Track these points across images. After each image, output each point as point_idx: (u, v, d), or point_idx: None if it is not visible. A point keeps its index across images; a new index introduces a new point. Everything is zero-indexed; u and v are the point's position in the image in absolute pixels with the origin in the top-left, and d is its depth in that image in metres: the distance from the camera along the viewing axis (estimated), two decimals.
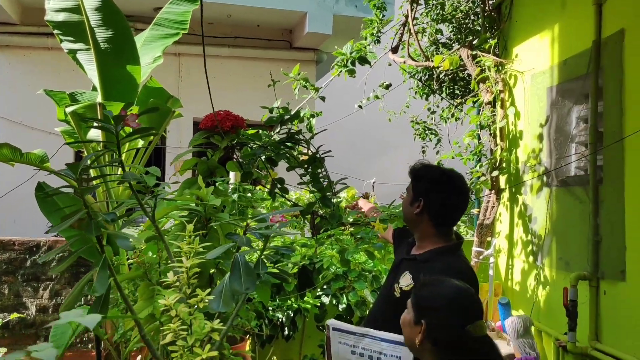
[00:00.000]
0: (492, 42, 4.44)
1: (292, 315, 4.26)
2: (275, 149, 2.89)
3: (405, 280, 2.02)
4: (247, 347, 4.05)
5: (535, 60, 4.14)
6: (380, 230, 2.84)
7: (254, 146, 2.91)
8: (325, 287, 4.02)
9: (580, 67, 3.59)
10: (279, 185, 3.00)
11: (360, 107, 5.54)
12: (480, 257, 4.40)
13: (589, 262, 3.38)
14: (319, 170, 3.05)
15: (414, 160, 2.29)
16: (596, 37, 3.40)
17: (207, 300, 1.62)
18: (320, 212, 3.22)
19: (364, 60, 3.87)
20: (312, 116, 4.04)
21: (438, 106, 5.47)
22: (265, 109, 3.10)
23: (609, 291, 3.27)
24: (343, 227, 3.19)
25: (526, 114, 4.24)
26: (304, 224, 4.35)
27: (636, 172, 3.10)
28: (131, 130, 1.98)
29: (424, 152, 5.65)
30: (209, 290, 1.68)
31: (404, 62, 5.10)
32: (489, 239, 4.51)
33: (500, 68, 4.44)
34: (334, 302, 4.01)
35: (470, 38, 4.94)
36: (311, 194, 3.49)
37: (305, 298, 4.16)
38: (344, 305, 3.90)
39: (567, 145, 3.81)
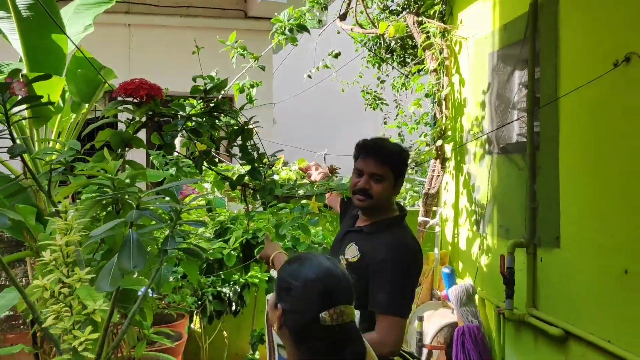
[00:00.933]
0: (437, 7, 4.32)
1: (239, 290, 4.19)
2: (199, 119, 2.74)
3: (352, 252, 1.99)
4: (187, 324, 3.96)
5: (478, 26, 4.04)
6: (314, 208, 2.74)
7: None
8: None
9: (519, 32, 3.50)
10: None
11: (309, 76, 5.41)
12: (426, 227, 4.35)
13: (527, 229, 3.34)
14: (249, 143, 2.91)
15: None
16: (533, 0, 3.30)
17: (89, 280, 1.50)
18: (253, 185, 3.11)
19: (302, 28, 3.72)
20: (252, 86, 3.88)
21: (388, 75, 5.34)
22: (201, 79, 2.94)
23: (545, 258, 3.24)
24: (278, 201, 3.10)
25: (470, 81, 4.16)
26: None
27: (570, 138, 3.05)
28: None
29: (385, 123, 5.56)
30: (87, 269, 1.55)
31: (352, 29, 4.95)
32: (434, 208, 4.46)
33: (445, 34, 4.34)
34: None
35: (418, 5, 4.80)
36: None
37: (253, 272, 4.08)
38: None
39: (509, 112, 3.74)
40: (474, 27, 4.09)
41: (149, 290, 2.09)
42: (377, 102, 5.32)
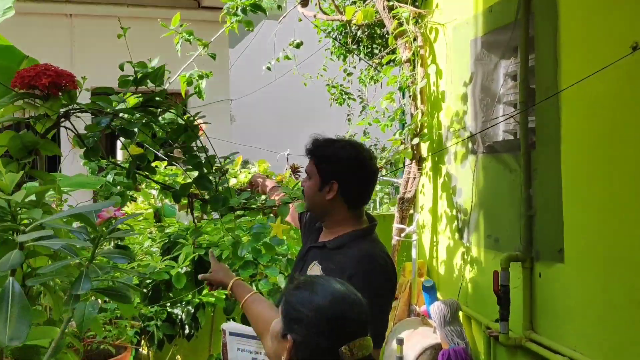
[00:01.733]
0: None
1: (192, 311, 3.65)
2: (129, 116, 2.18)
3: (314, 272, 1.82)
4: (131, 357, 3.37)
5: (457, 10, 3.58)
6: (278, 233, 2.38)
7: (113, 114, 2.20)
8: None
9: (508, 14, 3.04)
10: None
11: (268, 68, 4.89)
12: (402, 235, 3.89)
13: (522, 240, 2.89)
14: (195, 143, 2.37)
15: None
16: None
17: None
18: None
19: (257, 8, 3.19)
20: (201, 77, 3.31)
21: (355, 67, 4.86)
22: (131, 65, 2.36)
23: (545, 274, 2.79)
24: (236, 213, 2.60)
25: (449, 72, 3.71)
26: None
27: (574, 134, 2.60)
28: None
29: (349, 120, 5.11)
30: None
31: (315, 16, 4.43)
32: (411, 212, 4.00)
33: (419, 20, 3.87)
34: None
35: None
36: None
37: (207, 290, 3.55)
38: None
39: (494, 106, 3.31)
40: (453, 11, 3.64)
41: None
42: (344, 97, 4.82)
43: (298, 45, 4.74)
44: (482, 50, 3.39)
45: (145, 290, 3.34)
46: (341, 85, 4.87)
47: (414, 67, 3.84)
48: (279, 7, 4.78)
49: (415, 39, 3.83)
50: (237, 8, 3.22)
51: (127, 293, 1.67)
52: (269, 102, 11.52)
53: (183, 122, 2.35)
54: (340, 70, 4.85)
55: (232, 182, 4.54)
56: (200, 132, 3.17)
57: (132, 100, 2.36)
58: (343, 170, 1.82)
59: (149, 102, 2.33)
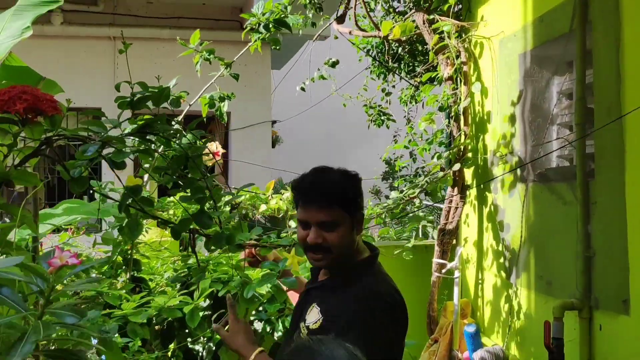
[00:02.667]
0: (451, 1, 3.50)
1: (214, 348, 3.39)
2: (120, 145, 1.93)
3: (313, 316, 1.66)
4: None
5: (504, 21, 3.23)
6: (294, 265, 2.12)
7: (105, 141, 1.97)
8: (259, 309, 3.17)
9: (561, 24, 2.67)
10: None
11: (302, 89, 4.65)
12: (443, 271, 3.50)
13: (579, 285, 2.47)
14: (203, 176, 2.12)
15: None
16: None
17: None
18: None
19: (281, 24, 2.93)
20: (223, 99, 3.07)
21: (394, 86, 4.56)
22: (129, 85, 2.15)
23: (606, 326, 2.36)
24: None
25: (495, 91, 3.34)
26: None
27: None
28: None
29: (395, 141, 4.84)
30: None
31: (350, 32, 4.15)
32: (453, 243, 3.62)
33: (462, 34, 3.52)
34: (268, 328, 3.23)
35: (429, 1, 3.99)
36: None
37: None
38: (280, 333, 3.11)
39: (547, 128, 2.93)
40: (500, 23, 3.28)
41: None
42: (382, 118, 4.51)
43: (333, 64, 4.49)
44: (532, 65, 3.01)
45: (157, 328, 3.11)
46: (379, 105, 4.55)
47: (457, 85, 3.49)
48: (314, 24, 4.55)
49: (458, 55, 3.48)
50: (259, 24, 2.96)
51: (82, 356, 1.42)
52: (316, 123, 11.37)
53: (184, 151, 2.09)
54: (378, 89, 4.54)
55: (262, 208, 4.32)
56: (216, 159, 2.91)
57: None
58: (359, 202, 1.68)
59: (146, 127, 2.10)
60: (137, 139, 2.15)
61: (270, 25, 2.97)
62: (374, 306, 1.56)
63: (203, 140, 2.98)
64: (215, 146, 3.20)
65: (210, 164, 2.88)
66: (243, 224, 2.19)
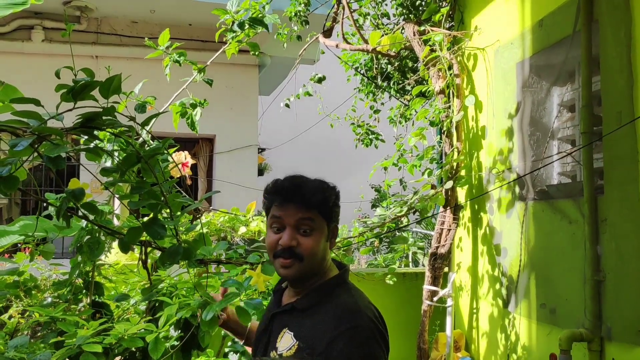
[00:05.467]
0: (443, 11, 3.30)
1: None
2: (58, 140, 1.66)
3: (285, 342, 1.54)
4: None
5: (500, 29, 3.02)
6: (260, 284, 1.91)
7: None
8: (235, 340, 2.90)
9: (564, 27, 2.44)
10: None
11: (287, 106, 4.42)
12: (435, 299, 3.20)
13: (587, 313, 2.18)
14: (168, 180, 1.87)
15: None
16: None
17: None
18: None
19: (257, 23, 2.69)
20: (194, 106, 2.80)
21: (383, 104, 4.35)
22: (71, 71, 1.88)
23: (620, 359, 2.06)
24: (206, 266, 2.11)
25: (490, 104, 3.11)
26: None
27: None
28: None
29: (385, 169, 4.63)
30: None
31: (337, 46, 3.93)
32: (445, 270, 3.34)
33: (454, 46, 3.31)
34: None
35: (420, 11, 3.81)
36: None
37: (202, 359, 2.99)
38: None
39: (547, 142, 2.69)
40: (495, 31, 3.07)
41: None
42: (371, 137, 4.27)
43: (320, 80, 4.29)
44: (530, 74, 2.79)
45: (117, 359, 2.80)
46: (367, 124, 4.32)
47: (449, 99, 3.26)
48: (299, 37, 4.35)
49: (450, 67, 3.27)
50: (233, 23, 2.72)
51: None
52: (305, 151, 11.19)
53: (134, 150, 1.82)
54: (366, 107, 4.32)
55: (242, 230, 4.08)
56: (183, 171, 2.64)
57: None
58: (335, 214, 1.58)
59: (90, 122, 1.83)
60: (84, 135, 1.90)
61: (246, 24, 2.72)
62: (356, 324, 1.45)
63: (171, 150, 2.71)
64: (183, 156, 2.93)
65: (177, 175, 2.62)
66: (206, 236, 1.92)
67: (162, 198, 1.79)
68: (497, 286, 2.97)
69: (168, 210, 1.85)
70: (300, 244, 1.52)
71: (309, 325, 1.52)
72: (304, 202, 1.53)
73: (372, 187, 7.71)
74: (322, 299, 1.54)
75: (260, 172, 8.68)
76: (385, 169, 3.95)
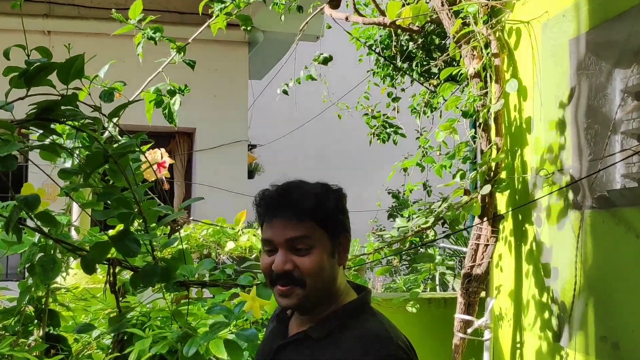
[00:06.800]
0: None
1: None
2: (7, 135, 1.71)
3: None
4: None
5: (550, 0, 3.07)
6: (255, 310, 1.98)
7: None
8: None
9: None
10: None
11: (285, 92, 4.47)
12: (469, 331, 3.33)
13: None
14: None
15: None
16: None
17: None
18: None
19: None
20: (172, 93, 2.84)
21: (404, 90, 4.43)
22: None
23: None
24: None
25: (537, 90, 3.20)
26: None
27: None
28: None
29: (405, 170, 4.69)
30: None
31: (347, 18, 3.97)
32: (482, 295, 3.46)
33: (492, 18, 3.43)
34: None
35: None
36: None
37: None
38: None
39: (608, 137, 2.77)
40: (542, 1, 3.15)
41: None
42: (389, 130, 4.32)
43: (325, 61, 4.37)
44: (587, 54, 2.87)
45: None
46: (385, 115, 4.37)
47: (486, 84, 3.35)
48: (300, 8, 4.38)
49: (487, 45, 3.36)
50: None
51: None
52: (305, 148, 11.29)
53: (100, 148, 1.85)
54: (382, 94, 4.38)
55: (229, 246, 4.14)
56: (159, 174, 2.68)
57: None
58: (340, 220, 1.63)
59: (46, 112, 1.86)
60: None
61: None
62: (387, 354, 1.50)
63: (144, 147, 2.73)
64: (159, 154, 2.96)
65: (151, 178, 2.65)
66: (187, 253, 1.94)
67: (135, 206, 1.82)
68: (546, 315, 3.04)
69: (141, 222, 1.88)
70: (298, 266, 1.54)
71: (328, 357, 1.55)
72: (295, 214, 1.55)
73: (390, 193, 7.76)
74: (343, 325, 1.56)
75: (251, 173, 8.74)
76: (406, 170, 4.00)
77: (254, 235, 4.06)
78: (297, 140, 10.35)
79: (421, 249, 4.08)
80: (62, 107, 1.78)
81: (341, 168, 10.75)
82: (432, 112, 4.30)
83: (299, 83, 4.50)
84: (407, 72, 4.51)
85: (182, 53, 2.98)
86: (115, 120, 2.14)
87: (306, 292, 1.55)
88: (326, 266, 1.57)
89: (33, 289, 2.46)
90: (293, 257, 1.55)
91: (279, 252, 1.57)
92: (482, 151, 3.35)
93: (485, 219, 3.32)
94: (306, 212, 1.55)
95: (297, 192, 1.61)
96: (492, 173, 3.27)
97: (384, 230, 8.90)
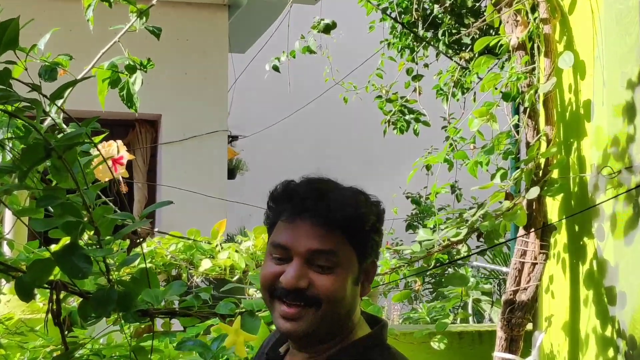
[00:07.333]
0: None
1: None
2: None
3: None
4: None
5: None
6: (239, 347, 2.06)
7: None
8: None
9: None
10: None
11: (275, 68, 4.53)
12: None
13: None
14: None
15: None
16: None
17: None
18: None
19: None
20: (132, 69, 2.88)
21: (427, 66, 4.52)
22: None
23: None
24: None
25: (598, 66, 3.27)
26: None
27: None
28: None
29: (428, 168, 4.78)
30: None
31: None
32: (528, 328, 3.54)
33: None
34: None
35: None
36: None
37: None
38: None
39: None
40: None
41: None
42: (408, 117, 4.38)
43: (327, 28, 4.45)
44: None
45: None
46: (403, 97, 4.43)
47: (532, 57, 3.45)
48: None
49: (533, 8, 3.44)
50: None
51: None
52: (300, 140, 11.35)
53: (40, 138, 1.90)
54: (400, 71, 4.44)
55: (205, 265, 4.22)
56: (115, 172, 2.72)
57: None
58: (379, 234, 1.71)
59: None
60: None
61: None
62: None
63: (97, 138, 2.77)
64: (116, 147, 2.99)
65: (105, 178, 2.69)
66: (152, 274, 1.98)
67: (85, 213, 1.84)
68: (611, 353, 3.10)
69: (93, 233, 1.91)
70: (316, 285, 1.57)
71: None
72: (327, 220, 1.58)
73: (409, 198, 7.81)
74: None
75: (231, 172, 8.84)
76: (429, 168, 4.04)
77: (236, 251, 4.13)
78: (290, 130, 10.43)
79: (449, 269, 4.12)
80: None
81: (347, 166, 10.83)
82: (463, 94, 4.40)
83: (294, 57, 4.57)
84: (432, 43, 4.60)
85: (145, 18, 3.03)
86: (59, 103, 2.16)
87: (320, 317, 1.57)
88: (348, 293, 1.60)
89: None
90: (310, 273, 1.58)
91: (294, 262, 1.58)
92: (527, 144, 3.42)
93: (532, 230, 3.40)
94: (340, 222, 1.58)
95: (336, 193, 1.64)
96: (540, 172, 3.34)
97: (401, 245, 8.99)
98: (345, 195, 1.65)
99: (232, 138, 9.26)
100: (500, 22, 3.55)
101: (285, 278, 1.58)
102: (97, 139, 2.57)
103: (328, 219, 1.58)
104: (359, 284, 1.66)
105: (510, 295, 3.41)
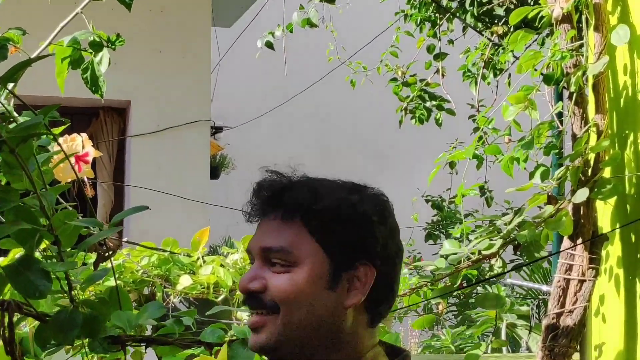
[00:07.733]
0: None
1: None
2: None
3: None
4: None
5: None
6: None
7: None
8: None
9: None
10: None
11: (269, 45, 4.53)
12: None
13: None
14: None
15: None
16: None
17: None
18: None
19: None
20: (97, 46, 2.89)
21: (452, 42, 4.51)
22: None
23: None
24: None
25: None
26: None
27: None
28: None
29: (452, 166, 4.80)
30: None
31: None
32: (575, 358, 3.60)
33: None
34: None
35: None
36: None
37: None
38: None
39: None
40: None
41: None
42: (429, 104, 4.39)
43: None
44: None
45: None
46: (423, 80, 4.44)
47: (580, 32, 3.48)
48: None
49: None
50: None
51: None
52: (302, 126, 11.35)
53: None
54: (419, 48, 4.45)
55: (184, 282, 4.23)
56: (79, 172, 2.74)
57: None
58: (376, 235, 1.64)
59: None
60: None
61: None
62: None
63: (57, 130, 2.79)
64: (79, 142, 2.99)
65: (66, 178, 2.70)
66: (123, 293, 1.98)
67: (43, 220, 1.84)
68: None
69: (53, 244, 1.91)
70: (269, 286, 1.58)
71: None
72: (284, 213, 1.60)
73: (429, 201, 7.83)
74: None
75: (215, 170, 8.83)
76: (454, 166, 4.04)
77: (222, 265, 4.12)
78: (284, 120, 10.44)
79: (479, 288, 4.13)
80: None
81: (353, 163, 10.85)
82: (495, 76, 4.41)
83: (291, 31, 4.57)
84: (458, 15, 4.60)
85: None
86: (10, 87, 2.17)
87: (281, 325, 1.57)
88: (311, 297, 1.59)
89: None
90: (267, 274, 1.59)
91: (254, 264, 1.62)
92: (574, 136, 3.43)
93: (579, 241, 3.41)
94: (294, 213, 1.59)
95: (300, 184, 1.66)
96: (589, 170, 3.36)
97: (419, 257, 9.00)
98: (312, 186, 1.66)
99: (216, 129, 9.26)
100: None
101: (243, 280, 1.60)
102: (56, 130, 2.58)
103: (285, 212, 1.60)
104: (339, 290, 1.61)
105: (553, 319, 3.43)
